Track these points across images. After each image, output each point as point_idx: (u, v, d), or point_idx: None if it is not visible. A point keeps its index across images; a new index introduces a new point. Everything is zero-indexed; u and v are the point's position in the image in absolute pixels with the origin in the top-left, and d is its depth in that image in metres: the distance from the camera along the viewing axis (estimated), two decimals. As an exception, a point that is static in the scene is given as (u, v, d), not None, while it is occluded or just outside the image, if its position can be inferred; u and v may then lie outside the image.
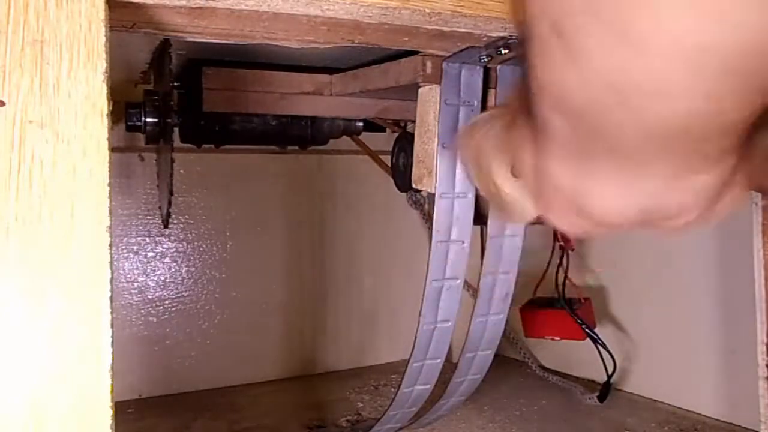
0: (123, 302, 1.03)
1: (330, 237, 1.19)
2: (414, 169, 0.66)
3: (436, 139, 0.61)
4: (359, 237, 1.21)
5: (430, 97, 0.62)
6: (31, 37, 0.32)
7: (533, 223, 0.37)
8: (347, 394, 1.07)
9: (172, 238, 1.07)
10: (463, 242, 0.65)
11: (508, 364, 1.19)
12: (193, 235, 1.09)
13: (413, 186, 0.66)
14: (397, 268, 1.22)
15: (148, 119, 0.74)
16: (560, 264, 1.00)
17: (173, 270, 1.07)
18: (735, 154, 0.23)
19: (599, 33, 0.18)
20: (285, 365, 1.16)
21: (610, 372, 1.00)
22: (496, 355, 0.77)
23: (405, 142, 0.83)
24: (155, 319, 1.06)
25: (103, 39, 0.34)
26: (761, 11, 0.16)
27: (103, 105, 0.34)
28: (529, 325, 1.01)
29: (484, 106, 0.63)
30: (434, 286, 0.65)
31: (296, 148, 1.00)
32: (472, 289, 0.96)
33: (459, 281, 0.66)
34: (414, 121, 0.65)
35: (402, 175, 0.84)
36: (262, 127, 0.88)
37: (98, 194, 0.33)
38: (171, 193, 0.69)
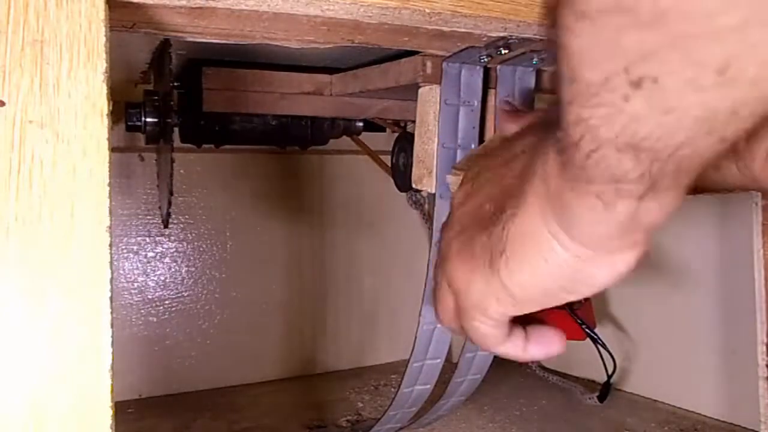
0: (123, 302, 1.03)
1: (330, 237, 1.19)
2: (414, 169, 0.66)
3: (436, 139, 0.61)
4: (359, 237, 1.21)
5: (430, 97, 0.62)
6: (31, 37, 0.32)
7: None
8: (347, 394, 1.07)
9: (172, 238, 1.07)
10: (463, 242, 0.65)
11: (508, 364, 1.19)
12: (193, 235, 1.09)
13: (413, 186, 0.66)
14: (397, 268, 1.22)
15: (148, 119, 0.74)
16: (560, 264, 1.00)
17: (173, 270, 1.07)
18: None
19: (687, 70, 0.19)
20: (285, 365, 1.16)
21: (610, 372, 1.00)
22: (496, 356, 0.77)
23: (405, 142, 0.83)
24: (155, 319, 1.06)
25: (103, 39, 0.34)
26: None
27: (103, 105, 0.34)
28: (529, 325, 1.01)
29: (484, 106, 0.63)
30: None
31: (296, 148, 1.00)
32: (472, 289, 0.96)
33: (459, 281, 0.66)
34: (414, 121, 0.65)
35: (402, 175, 0.84)
36: (262, 127, 0.88)
37: (98, 194, 0.33)
38: (171, 193, 0.69)
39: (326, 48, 0.51)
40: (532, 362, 1.14)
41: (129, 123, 0.74)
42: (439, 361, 0.71)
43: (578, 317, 0.97)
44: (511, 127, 0.44)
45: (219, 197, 1.10)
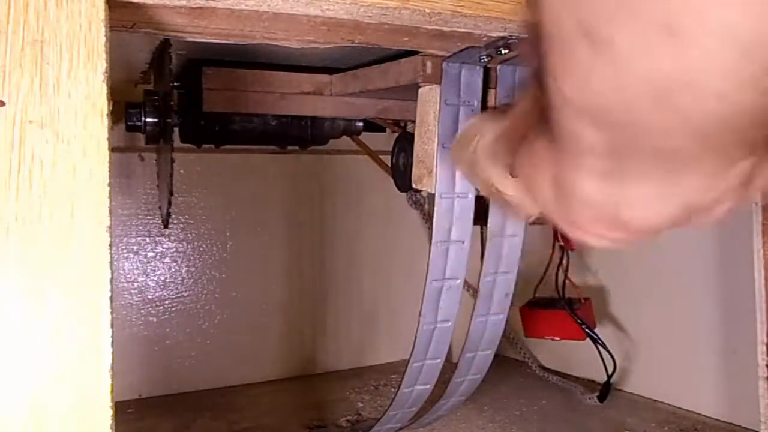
0: (123, 302, 1.03)
1: (330, 237, 1.19)
2: (414, 169, 0.66)
3: (436, 139, 0.61)
4: (359, 237, 1.21)
5: (430, 97, 0.62)
6: (31, 37, 0.32)
7: (533, 223, 0.37)
8: (347, 394, 1.07)
9: (172, 238, 1.07)
10: (463, 242, 0.65)
11: (508, 364, 1.19)
12: (193, 235, 1.09)
13: (413, 186, 0.66)
14: (397, 268, 1.22)
15: (148, 119, 0.74)
16: (560, 264, 1.00)
17: (173, 270, 1.07)
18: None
19: (638, 31, 0.18)
20: (285, 365, 1.16)
21: (610, 372, 1.00)
22: (496, 355, 0.77)
23: (405, 142, 0.83)
24: (155, 319, 1.06)
25: (103, 39, 0.34)
26: None
27: (103, 105, 0.34)
28: (529, 325, 1.01)
29: (484, 106, 0.63)
30: (434, 286, 0.65)
31: (296, 148, 1.00)
32: (472, 289, 0.96)
33: (459, 281, 0.66)
34: (414, 121, 0.65)
35: (402, 175, 0.84)
36: (262, 127, 0.88)
37: (98, 194, 0.33)
38: (171, 193, 0.69)
39: (326, 48, 0.51)
40: (530, 359, 1.14)
41: (129, 123, 0.75)
42: (439, 361, 0.71)
43: (578, 317, 0.97)
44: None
45: (219, 197, 1.10)
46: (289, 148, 1.02)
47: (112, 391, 0.33)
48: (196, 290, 1.09)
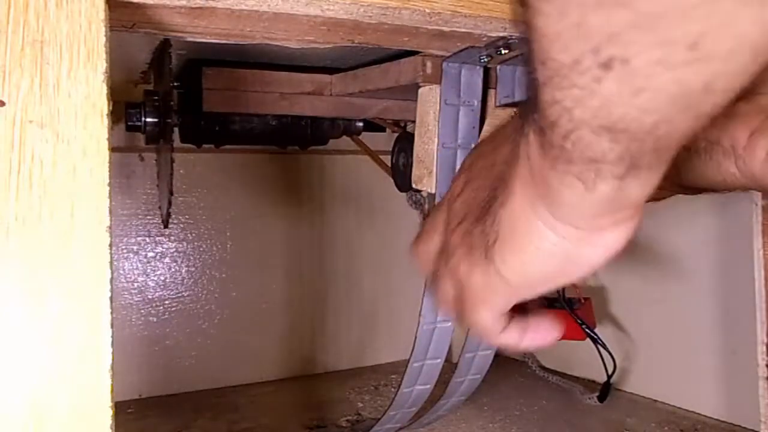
0: (123, 302, 1.03)
1: (330, 237, 1.19)
2: (414, 169, 0.66)
3: (436, 139, 0.61)
4: (359, 237, 1.21)
5: (430, 97, 0.62)
6: (31, 37, 0.32)
7: None
8: (347, 394, 1.07)
9: (172, 238, 1.07)
10: (463, 242, 0.65)
11: (508, 364, 1.19)
12: (193, 235, 1.09)
13: (413, 186, 0.66)
14: (397, 267, 1.22)
15: (148, 119, 0.74)
16: (560, 264, 1.00)
17: (173, 270, 1.07)
18: None
19: (657, 50, 0.18)
20: (285, 365, 1.16)
21: (610, 372, 1.00)
22: (496, 355, 0.77)
23: (405, 142, 0.83)
24: (155, 319, 1.06)
25: (103, 39, 0.34)
26: None
27: (103, 105, 0.34)
28: (529, 325, 1.01)
29: (484, 106, 0.63)
30: (434, 286, 0.65)
31: (296, 148, 1.00)
32: (472, 289, 0.96)
33: (459, 281, 0.66)
34: (414, 121, 0.65)
35: (402, 175, 0.84)
36: (262, 127, 0.88)
37: (98, 194, 0.33)
38: (171, 193, 0.69)
39: (326, 48, 0.51)
40: (530, 359, 1.14)
41: (129, 123, 0.74)
42: (439, 361, 0.71)
43: (578, 317, 0.97)
44: None
45: (219, 197, 1.10)
46: (289, 148, 1.02)
47: (112, 391, 0.33)
48: (196, 290, 1.09)
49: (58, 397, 0.32)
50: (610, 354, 0.99)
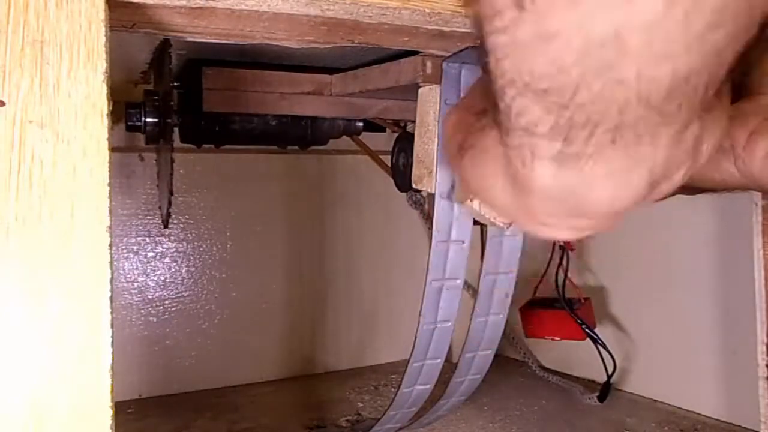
0: (123, 302, 1.03)
1: (330, 237, 1.19)
2: (414, 169, 0.66)
3: (436, 139, 0.61)
4: (359, 237, 1.21)
5: (430, 97, 0.62)
6: (31, 37, 0.32)
7: None
8: (347, 394, 1.07)
9: (172, 238, 1.07)
10: (463, 242, 0.65)
11: (508, 364, 1.19)
12: (193, 235, 1.09)
13: (413, 186, 0.66)
14: (397, 268, 1.22)
15: (148, 119, 0.74)
16: (560, 264, 1.00)
17: (173, 270, 1.07)
18: (720, 90, 0.21)
19: None
20: (285, 365, 1.16)
21: (610, 372, 1.00)
22: (496, 355, 0.77)
23: (405, 142, 0.83)
24: (155, 319, 1.06)
25: (103, 39, 0.34)
26: None
27: (103, 105, 0.34)
28: (529, 325, 1.01)
29: (484, 106, 0.63)
30: (434, 286, 0.65)
31: (296, 148, 1.00)
32: (472, 289, 0.96)
33: (459, 281, 0.66)
34: (414, 121, 0.65)
35: (402, 175, 0.84)
36: (262, 127, 0.88)
37: (98, 194, 0.33)
38: (171, 193, 0.69)
39: (326, 48, 0.51)
40: (530, 359, 1.14)
41: (129, 123, 0.75)
42: (439, 361, 0.71)
43: (578, 317, 0.97)
44: None
45: (219, 197, 1.10)
46: (289, 148, 1.02)
47: (112, 391, 0.33)
48: (196, 290, 1.09)
49: (58, 397, 0.32)
50: (610, 354, 0.99)
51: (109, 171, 0.34)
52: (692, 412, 0.97)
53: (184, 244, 1.08)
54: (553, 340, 1.01)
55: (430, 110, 0.62)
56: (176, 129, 0.83)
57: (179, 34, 0.46)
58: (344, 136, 0.98)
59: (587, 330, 0.97)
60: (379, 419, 0.78)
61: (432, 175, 0.62)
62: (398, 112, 0.87)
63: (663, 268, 1.01)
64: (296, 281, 1.16)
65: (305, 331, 1.18)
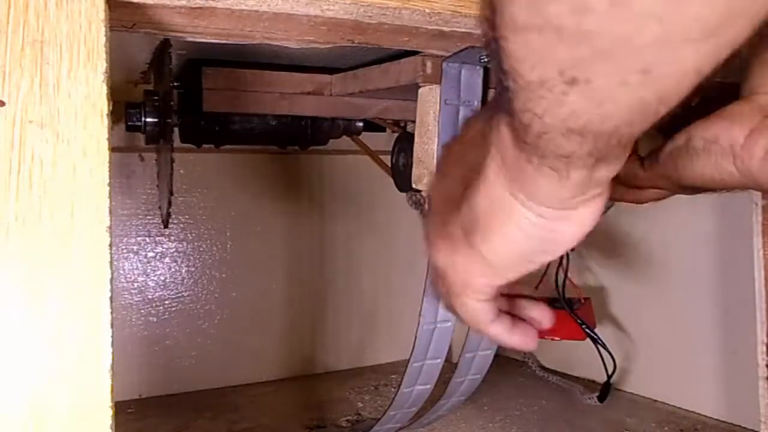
0: (123, 302, 1.03)
1: (330, 237, 1.19)
2: (414, 169, 0.66)
3: (436, 139, 0.61)
4: (359, 237, 1.21)
5: (430, 97, 0.62)
6: (31, 37, 0.32)
7: None
8: (347, 394, 1.07)
9: (172, 238, 1.07)
10: (463, 242, 0.65)
11: (508, 364, 1.19)
12: (193, 235, 1.09)
13: (413, 186, 0.66)
14: (397, 267, 1.22)
15: (148, 119, 0.74)
16: (560, 264, 1.00)
17: (173, 270, 1.07)
18: None
19: (614, 73, 0.21)
20: (285, 365, 1.16)
21: (610, 372, 1.00)
22: (496, 355, 0.77)
23: (405, 142, 0.83)
24: (155, 319, 1.06)
25: (103, 39, 0.34)
26: None
27: (103, 105, 0.34)
28: (529, 325, 1.01)
29: (483, 106, 0.63)
30: (434, 286, 0.65)
31: (296, 148, 1.00)
32: (472, 289, 0.96)
33: (459, 281, 0.66)
34: (414, 121, 0.65)
35: (402, 175, 0.84)
36: (262, 127, 0.88)
37: (98, 194, 0.33)
38: (171, 193, 0.69)
39: (326, 48, 0.51)
40: (530, 359, 1.14)
41: (129, 123, 0.74)
42: (439, 361, 0.71)
43: (578, 317, 0.97)
44: None
45: (219, 197, 1.10)
46: (289, 148, 1.02)
47: (112, 391, 0.33)
48: (196, 290, 1.09)
49: (58, 397, 0.32)
50: (610, 354, 0.99)
51: (109, 171, 0.34)
52: (692, 412, 0.97)
53: (184, 244, 1.08)
54: (553, 340, 1.01)
55: (430, 110, 0.62)
56: (176, 129, 0.83)
57: (179, 34, 0.46)
58: (344, 136, 0.98)
59: (587, 330, 0.97)
60: (379, 419, 0.78)
61: (432, 175, 0.62)
62: (398, 112, 0.87)
63: (663, 268, 1.01)
64: (296, 281, 1.16)
65: (305, 331, 1.18)
